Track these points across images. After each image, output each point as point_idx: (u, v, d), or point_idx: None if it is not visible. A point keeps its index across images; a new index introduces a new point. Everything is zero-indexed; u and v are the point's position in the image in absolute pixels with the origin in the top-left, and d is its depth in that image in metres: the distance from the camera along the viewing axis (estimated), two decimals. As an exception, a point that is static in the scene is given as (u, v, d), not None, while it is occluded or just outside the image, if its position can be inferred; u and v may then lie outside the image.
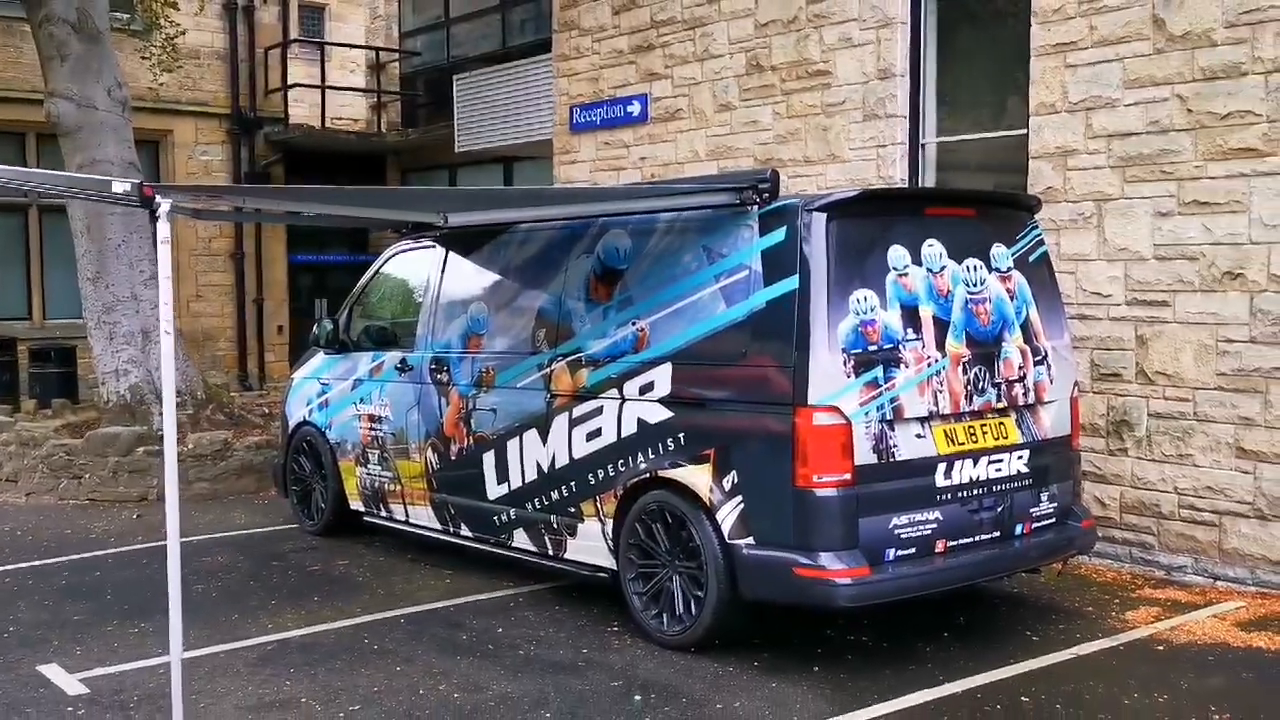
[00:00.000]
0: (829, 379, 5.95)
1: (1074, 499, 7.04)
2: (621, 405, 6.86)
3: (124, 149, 12.58)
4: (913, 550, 6.15)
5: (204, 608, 7.54)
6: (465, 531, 8.10)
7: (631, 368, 6.83)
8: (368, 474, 8.95)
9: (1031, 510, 6.68)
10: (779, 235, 6.18)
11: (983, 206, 6.89)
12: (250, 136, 19.43)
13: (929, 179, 9.50)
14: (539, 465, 7.39)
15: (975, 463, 6.40)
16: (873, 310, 6.12)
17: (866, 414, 6.02)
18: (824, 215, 6.09)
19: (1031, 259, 6.93)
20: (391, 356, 8.73)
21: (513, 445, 7.58)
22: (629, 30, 11.90)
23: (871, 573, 5.95)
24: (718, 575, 6.28)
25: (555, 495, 7.30)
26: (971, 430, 6.41)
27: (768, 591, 6.20)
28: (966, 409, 6.41)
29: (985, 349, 6.53)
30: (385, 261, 9.22)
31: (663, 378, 6.63)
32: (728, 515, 6.24)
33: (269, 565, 8.68)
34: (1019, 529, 6.62)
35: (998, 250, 6.72)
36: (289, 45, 19.71)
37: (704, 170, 10.98)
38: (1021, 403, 6.68)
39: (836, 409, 5.94)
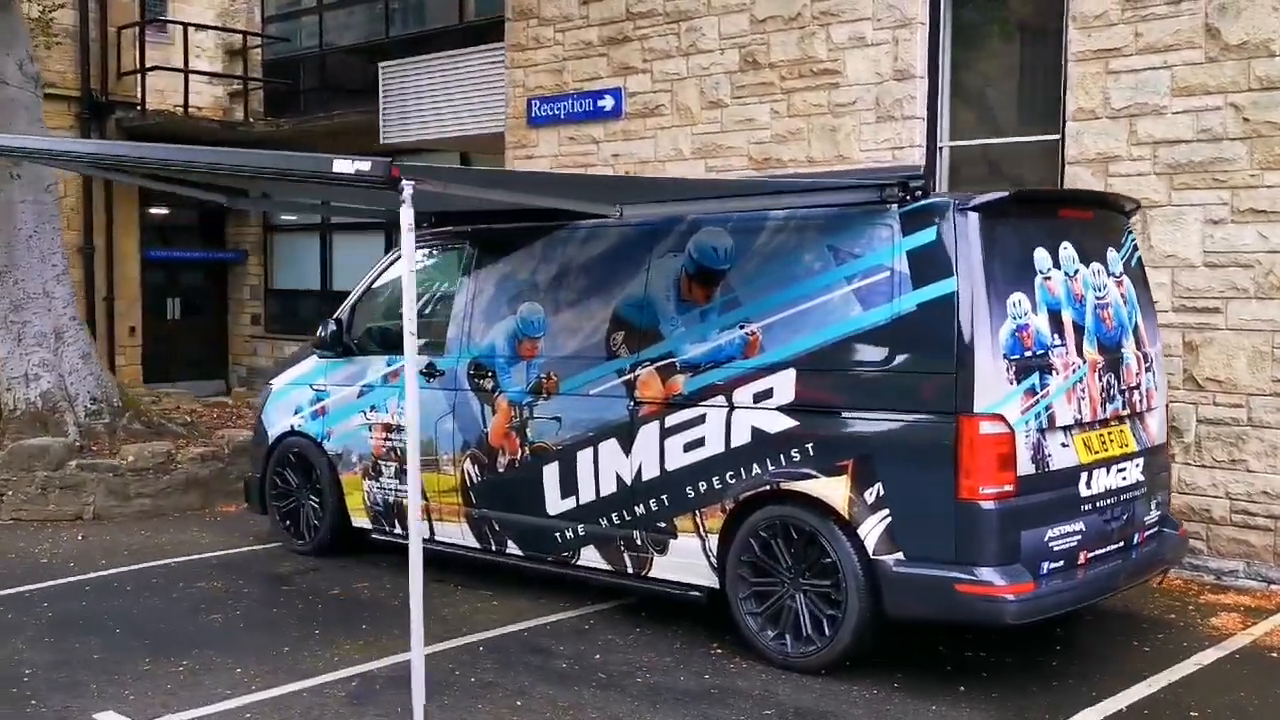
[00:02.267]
0: (992, 386, 5.70)
1: (1168, 508, 7.00)
2: (730, 413, 6.45)
3: (36, 129, 11.39)
4: (1062, 563, 5.96)
5: (240, 639, 6.79)
6: (513, 549, 7.53)
7: (742, 374, 6.43)
8: (380, 488, 8.26)
9: (1145, 519, 6.60)
10: (928, 235, 5.90)
11: (1099, 209, 6.77)
12: (101, 122, 17.98)
13: (945, 183, 9.39)
14: (619, 477, 6.91)
15: (1108, 471, 6.26)
16: (1026, 314, 5.91)
17: (1026, 423, 5.80)
18: (977, 215, 5.85)
19: (1132, 263, 6.85)
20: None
21: (583, 456, 7.07)
22: (600, 21, 11.44)
23: (1035, 587, 5.73)
24: (859, 593, 5.95)
25: (641, 510, 6.83)
26: (1103, 438, 6.27)
27: (920, 609, 5.90)
28: (1100, 416, 6.26)
29: (1112, 355, 6.40)
30: (397, 259, 8.53)
31: (784, 384, 6.26)
32: (872, 529, 5.92)
33: (278, 590, 7.90)
34: (1136, 538, 6.52)
35: (1111, 254, 6.61)
36: (146, 25, 18.29)
37: (689, 169, 10.64)
38: (1137, 409, 6.58)
39: (1001, 417, 5.70)
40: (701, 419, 6.57)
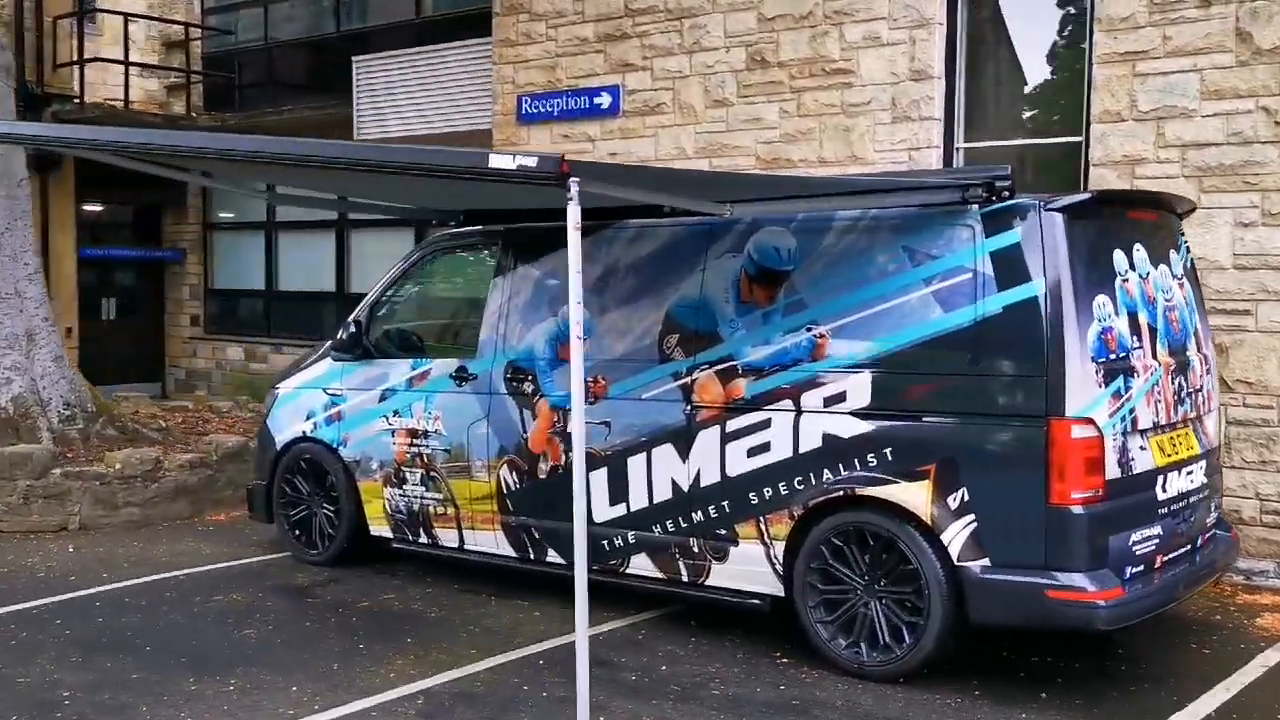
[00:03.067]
0: (1083, 389, 5.64)
1: (1221, 511, 7.01)
2: (798, 418, 6.32)
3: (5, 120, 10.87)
4: (1142, 567, 5.92)
5: (282, 655, 6.50)
6: (554, 558, 7.32)
7: (811, 377, 6.30)
8: (403, 496, 7.99)
9: (1206, 521, 6.60)
10: (1012, 237, 5.82)
11: (1162, 211, 6.75)
12: (37, 114, 17.20)
13: (962, 184, 9.34)
14: (675, 484, 6.74)
15: (1179, 474, 6.24)
16: (1110, 317, 5.86)
17: (1114, 426, 5.75)
18: (1061, 216, 5.78)
19: (1188, 264, 6.85)
20: (443, 364, 7.82)
21: (635, 462, 6.88)
22: (595, 18, 11.25)
23: (1124, 593, 5.68)
24: (942, 600, 5.85)
25: (699, 516, 6.67)
26: (1173, 441, 6.25)
27: (1006, 616, 5.82)
28: (1172, 419, 6.24)
29: (1180, 357, 6.39)
30: (421, 259, 8.26)
31: (859, 388, 6.14)
32: (956, 535, 5.83)
33: (303, 602, 7.59)
34: (1199, 541, 6.51)
35: (1173, 255, 6.60)
36: (84, 16, 17.62)
37: (692, 167, 10.48)
38: (1200, 412, 6.57)
39: (1091, 421, 5.63)
40: (766, 423, 6.42)
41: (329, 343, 8.66)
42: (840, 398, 6.20)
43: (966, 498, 5.81)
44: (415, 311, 8.36)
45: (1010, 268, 5.80)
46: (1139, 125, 8.40)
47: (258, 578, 8.19)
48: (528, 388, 7.38)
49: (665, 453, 6.78)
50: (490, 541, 7.61)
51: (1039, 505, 5.63)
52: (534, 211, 7.61)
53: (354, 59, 14.08)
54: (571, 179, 4.22)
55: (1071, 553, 5.61)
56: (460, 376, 7.69)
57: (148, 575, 8.24)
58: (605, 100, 11.22)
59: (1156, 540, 6.00)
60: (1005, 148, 9.34)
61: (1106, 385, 5.74)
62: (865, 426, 6.11)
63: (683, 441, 6.71)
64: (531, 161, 4.45)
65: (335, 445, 8.34)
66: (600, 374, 7.07)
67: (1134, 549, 5.84)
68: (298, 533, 8.62)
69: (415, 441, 7.91)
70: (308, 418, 8.53)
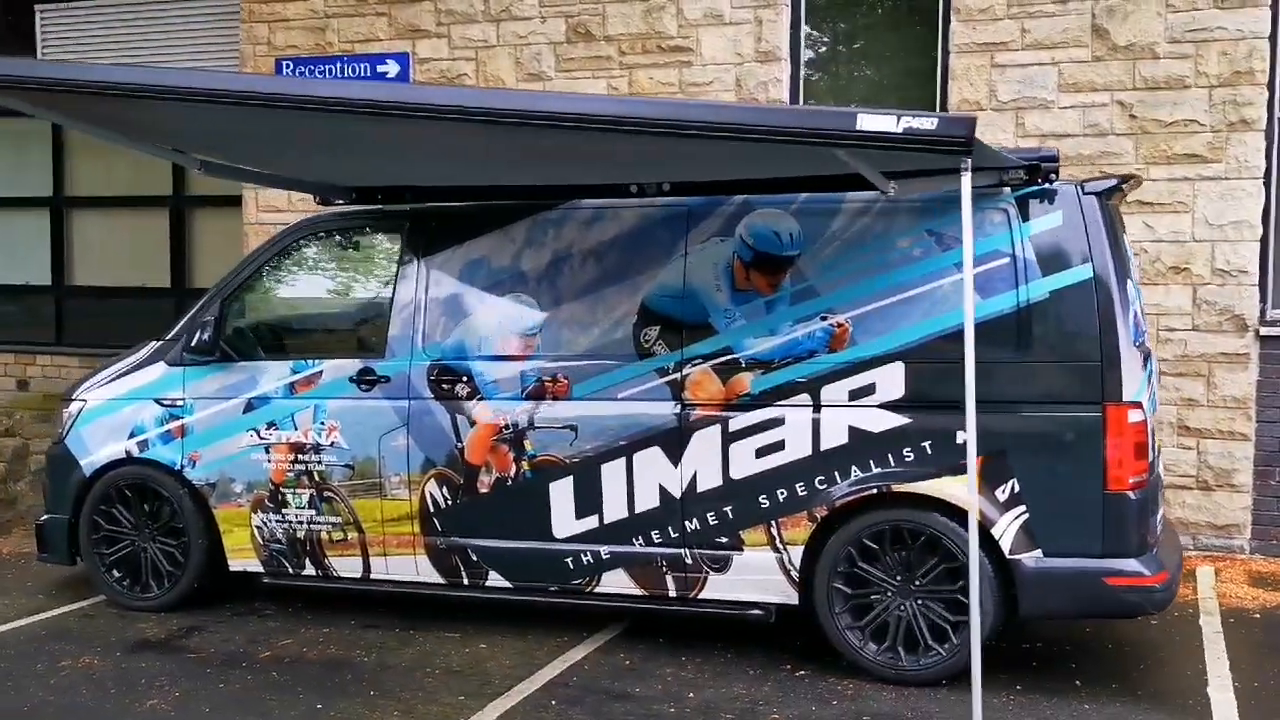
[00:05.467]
0: (1133, 374, 5.62)
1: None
2: (817, 413, 5.90)
3: None
4: (1157, 550, 6.01)
5: (236, 731, 5.29)
6: (496, 581, 6.48)
7: (832, 369, 5.91)
8: (282, 522, 6.80)
9: None
10: (1052, 220, 5.71)
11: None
12: None
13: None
14: (663, 491, 6.13)
15: (1159, 455, 6.40)
16: (1134, 300, 5.90)
17: (1152, 409, 5.79)
18: (1097, 200, 5.74)
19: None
20: (337, 366, 6.70)
21: (611, 469, 6.20)
22: (377, -24, 10.17)
23: (1169, 575, 5.73)
24: (994, 595, 5.66)
25: (694, 525, 6.10)
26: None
27: (1061, 606, 5.72)
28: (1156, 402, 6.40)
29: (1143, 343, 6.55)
30: (289, 245, 7.01)
31: (890, 379, 5.82)
32: (1007, 528, 5.66)
33: (186, 660, 6.24)
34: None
35: (1125, 238, 6.76)
36: None
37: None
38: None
39: (1140, 405, 5.63)
40: (779, 421, 5.96)
41: (154, 344, 7.21)
42: (869, 390, 5.85)
43: (1017, 488, 5.65)
44: (286, 306, 7.10)
45: (1053, 252, 5.68)
46: (998, 115, 8.61)
47: (89, 634, 6.67)
48: (462, 390, 6.45)
49: (650, 457, 6.14)
50: (408, 568, 6.62)
51: (1096, 492, 5.56)
52: (447, 191, 6.73)
53: (37, 6, 11.95)
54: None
55: (1128, 538, 5.59)
56: (365, 380, 6.61)
57: (-63, 644, 6.51)
58: (392, 68, 10.16)
59: (1161, 523, 6.12)
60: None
61: (1144, 368, 5.77)
62: (900, 420, 5.79)
63: (673, 444, 6.11)
64: (927, 123, 3.75)
65: (177, 467, 6.95)
66: (560, 372, 6.30)
67: (1156, 532, 5.91)
68: (118, 574, 7.12)
69: (300, 458, 6.74)
70: (132, 435, 7.06)
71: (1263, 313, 8.25)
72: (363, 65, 10.25)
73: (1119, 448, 5.54)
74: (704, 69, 9.29)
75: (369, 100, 5.04)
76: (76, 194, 14.61)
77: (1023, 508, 5.64)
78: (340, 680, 5.89)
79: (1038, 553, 5.63)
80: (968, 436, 4.84)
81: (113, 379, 7.21)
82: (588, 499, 6.24)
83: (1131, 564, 5.58)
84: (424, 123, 5.02)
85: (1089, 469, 5.57)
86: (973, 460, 4.91)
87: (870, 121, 4.02)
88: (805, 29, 9.24)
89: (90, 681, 5.90)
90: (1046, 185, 5.73)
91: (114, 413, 7.12)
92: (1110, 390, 5.55)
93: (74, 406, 7.27)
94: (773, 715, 5.44)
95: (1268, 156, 8.19)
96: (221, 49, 11.01)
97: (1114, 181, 5.86)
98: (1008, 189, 5.77)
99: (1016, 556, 5.64)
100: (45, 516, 7.34)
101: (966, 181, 4.62)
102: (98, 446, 7.13)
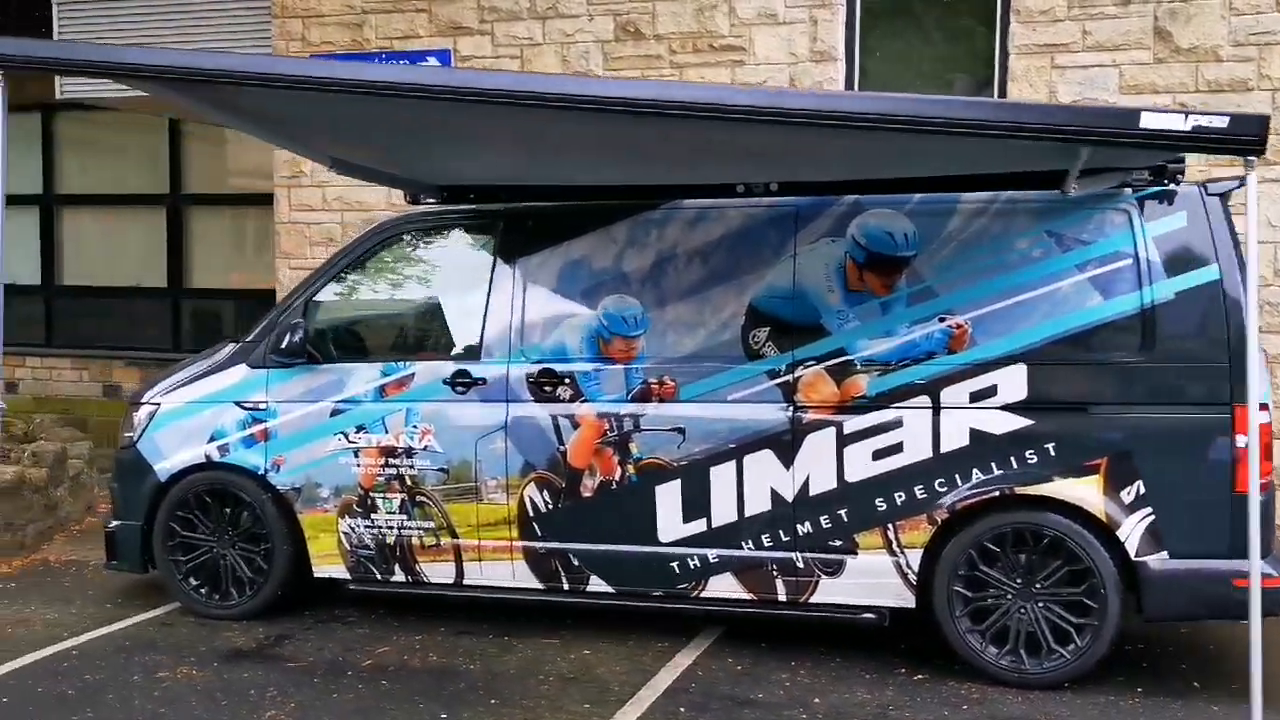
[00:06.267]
0: (1259, 375, 5.63)
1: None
2: (937, 414, 5.87)
3: None
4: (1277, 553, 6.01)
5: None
6: (599, 586, 6.38)
7: (952, 370, 5.88)
8: (371, 527, 6.66)
9: None
10: (1177, 221, 5.72)
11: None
12: None
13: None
14: (775, 494, 6.06)
15: None
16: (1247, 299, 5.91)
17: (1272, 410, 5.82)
18: (1220, 201, 5.76)
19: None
20: (430, 368, 6.58)
21: (721, 472, 6.13)
22: (416, -29, 10.04)
23: (1286, 576, 5.75)
24: (1119, 598, 5.66)
25: (806, 528, 6.04)
26: None
27: (1187, 608, 5.73)
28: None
29: None
30: (377, 245, 6.86)
31: (1012, 381, 5.80)
32: (1133, 530, 5.65)
33: (285, 668, 6.09)
34: None
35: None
36: None
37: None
38: None
39: (1266, 406, 5.65)
40: (897, 423, 5.92)
41: (232, 345, 7.05)
42: (990, 392, 5.82)
43: (1143, 490, 5.64)
44: (374, 307, 6.94)
45: (1179, 252, 5.70)
46: (1059, 116, 8.63)
47: (176, 644, 6.50)
48: (564, 393, 6.35)
49: (761, 460, 6.08)
50: (504, 573, 6.50)
51: (1224, 493, 5.57)
52: (546, 190, 6.63)
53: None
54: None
55: (1261, 540, 5.58)
56: (460, 382, 6.49)
57: (17, 659, 6.28)
58: (434, 66, 10.01)
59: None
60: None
61: (1263, 370, 5.79)
62: (1023, 422, 5.77)
63: (785, 446, 6.05)
64: (1218, 121, 3.70)
65: (260, 471, 6.79)
66: (667, 376, 6.22)
67: (1277, 534, 5.93)
68: (195, 581, 6.95)
69: (391, 462, 6.60)
70: (212, 439, 6.88)
71: (1326, 315, 8.35)
72: (402, 63, 10.09)
73: (1252, 449, 5.54)
74: (756, 69, 9.24)
75: (504, 90, 4.92)
76: (67, 191, 14.35)
77: (1148, 509, 5.64)
78: (455, 689, 5.77)
79: (1163, 554, 5.64)
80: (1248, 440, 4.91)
81: (189, 382, 7.03)
82: (696, 502, 6.16)
83: (1264, 566, 5.57)
84: (552, 114, 4.88)
85: (1216, 470, 5.58)
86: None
87: (1155, 120, 3.99)
88: (860, 29, 9.21)
89: (196, 693, 5.73)
90: (1170, 186, 5.72)
91: (191, 416, 6.95)
92: (1238, 392, 5.56)
93: (145, 410, 7.07)
94: (907, 718, 5.39)
95: (1329, 159, 8.28)
96: (253, 46, 10.78)
97: (1235, 183, 5.87)
98: (1128, 190, 5.76)
99: (1142, 558, 5.64)
100: (115, 523, 7.13)
101: (1253, 181, 4.61)
102: (174, 451, 6.94)
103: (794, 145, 5.17)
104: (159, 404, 7.06)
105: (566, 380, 6.35)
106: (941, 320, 5.91)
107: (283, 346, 6.68)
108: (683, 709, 5.52)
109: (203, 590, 6.94)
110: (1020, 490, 5.77)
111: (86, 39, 11.51)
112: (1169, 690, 5.76)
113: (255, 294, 12.02)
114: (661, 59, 9.46)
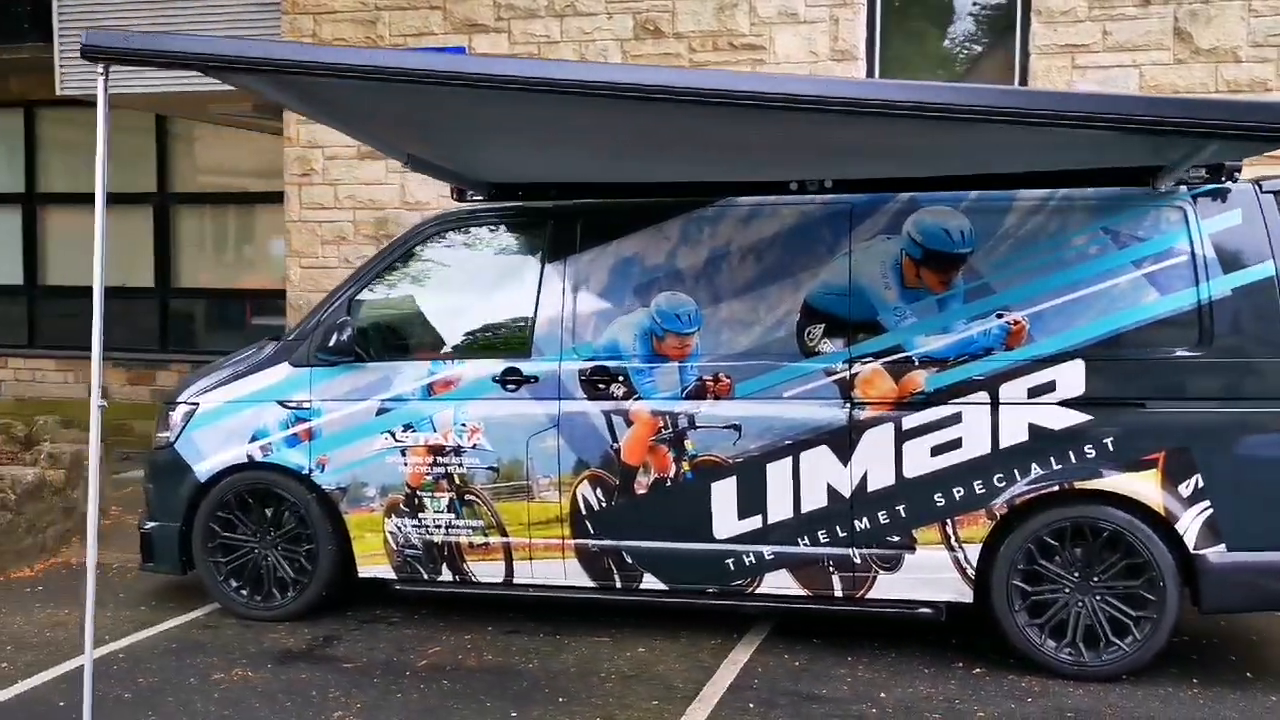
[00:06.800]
0: (1314, 369, 5.74)
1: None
2: (995, 410, 5.92)
3: None
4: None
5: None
6: (652, 584, 6.38)
7: (1010, 366, 5.93)
8: (419, 526, 6.63)
9: None
10: (1231, 218, 5.80)
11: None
12: None
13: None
14: (832, 490, 6.09)
15: None
16: (1295, 297, 6.01)
17: (1317, 404, 5.91)
18: (1274, 199, 5.85)
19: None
20: (479, 366, 6.55)
21: (777, 468, 6.15)
22: (431, -32, 9.99)
23: (1329, 568, 5.85)
24: (1177, 590, 5.73)
25: (864, 524, 6.08)
26: None
27: (1246, 601, 5.83)
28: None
29: None
30: (421, 241, 6.83)
31: (1070, 376, 5.86)
32: (1191, 523, 5.73)
33: (343, 670, 6.04)
34: None
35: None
36: None
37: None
38: None
39: (1321, 400, 5.75)
40: (956, 418, 5.97)
41: (274, 343, 7.00)
42: (1048, 387, 5.88)
43: (1200, 484, 5.72)
44: (421, 305, 6.88)
45: (1235, 249, 5.78)
46: (1080, 115, 8.72)
47: (224, 645, 6.43)
48: (618, 390, 6.35)
49: (818, 456, 6.11)
50: (555, 572, 6.49)
51: (1280, 487, 5.66)
52: (595, 187, 6.62)
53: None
54: None
55: (1316, 531, 5.70)
56: (510, 380, 6.47)
57: (62, 662, 6.19)
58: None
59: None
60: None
61: (1311, 363, 5.89)
62: (1080, 416, 5.83)
63: (842, 443, 6.08)
64: None
65: (305, 471, 6.74)
66: (722, 372, 6.23)
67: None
68: (236, 583, 6.88)
69: (440, 460, 6.57)
70: (254, 439, 6.82)
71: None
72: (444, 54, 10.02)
73: (1305, 442, 5.65)
74: (777, 67, 9.27)
75: (577, 80, 4.84)
76: (50, 190, 14.15)
77: (1206, 503, 5.71)
78: (518, 687, 5.75)
79: (1221, 548, 5.71)
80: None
81: (228, 381, 6.96)
82: (751, 499, 6.18)
83: (1318, 556, 5.69)
84: (620, 105, 4.79)
85: (1274, 464, 5.67)
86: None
87: None
88: (880, 27, 9.27)
89: (257, 694, 5.68)
90: (1226, 184, 5.81)
91: (232, 415, 6.88)
92: (1294, 386, 5.66)
93: (182, 410, 6.99)
94: (977, 714, 5.44)
95: (1347, 159, 8.43)
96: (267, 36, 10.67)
97: (1288, 178, 5.97)
98: (1183, 187, 5.84)
99: (1200, 551, 5.71)
100: (151, 524, 7.05)
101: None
102: (213, 451, 6.87)
103: (891, 140, 5.17)
104: (197, 404, 6.98)
105: (620, 377, 6.35)
106: (999, 316, 5.96)
107: (330, 345, 6.63)
108: (751, 704, 5.53)
109: (244, 591, 6.87)
110: (1079, 485, 5.83)
111: (88, 27, 11.33)
112: (1223, 681, 5.85)
113: (258, 294, 11.93)
114: (681, 57, 9.47)
